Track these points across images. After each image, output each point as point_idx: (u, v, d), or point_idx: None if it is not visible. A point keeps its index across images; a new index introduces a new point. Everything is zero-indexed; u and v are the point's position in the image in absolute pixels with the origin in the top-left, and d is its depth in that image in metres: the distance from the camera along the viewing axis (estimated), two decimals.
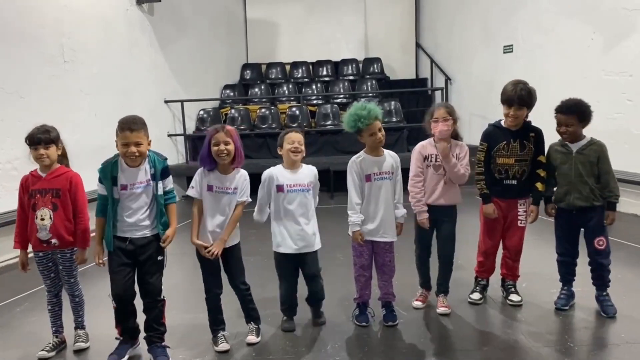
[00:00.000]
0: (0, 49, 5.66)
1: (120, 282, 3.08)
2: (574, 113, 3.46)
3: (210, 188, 3.23)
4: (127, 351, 3.24)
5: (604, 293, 3.61)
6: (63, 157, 3.34)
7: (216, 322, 3.36)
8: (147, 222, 3.13)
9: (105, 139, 7.06)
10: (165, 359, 3.16)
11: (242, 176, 3.31)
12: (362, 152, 3.50)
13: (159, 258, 3.18)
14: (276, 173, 3.43)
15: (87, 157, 6.64)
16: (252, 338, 3.35)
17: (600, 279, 3.61)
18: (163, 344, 3.23)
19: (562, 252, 3.72)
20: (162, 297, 3.22)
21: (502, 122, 3.72)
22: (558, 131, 3.56)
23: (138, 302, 3.20)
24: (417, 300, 3.82)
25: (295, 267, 3.50)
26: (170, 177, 3.25)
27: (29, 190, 3.24)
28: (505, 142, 3.66)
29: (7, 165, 5.67)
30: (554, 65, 7.77)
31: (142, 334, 3.28)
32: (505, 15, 9.10)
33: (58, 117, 6.32)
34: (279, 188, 3.39)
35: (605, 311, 3.53)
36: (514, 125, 3.65)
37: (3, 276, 5.20)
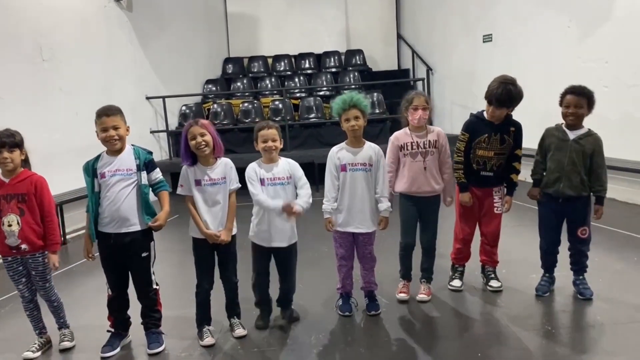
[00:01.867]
0: None
1: (113, 272, 3.26)
2: (586, 96, 3.50)
3: (198, 182, 3.26)
4: (120, 342, 3.31)
5: (581, 277, 3.69)
6: (25, 162, 3.28)
7: (203, 317, 3.40)
8: (129, 215, 3.16)
9: (87, 138, 7.01)
10: (157, 345, 3.25)
11: (227, 164, 3.33)
12: (343, 142, 3.53)
13: (144, 255, 3.24)
14: (256, 168, 3.39)
15: (69, 156, 6.64)
16: (240, 331, 3.39)
17: (579, 264, 3.68)
18: (158, 329, 3.32)
19: (545, 240, 3.77)
20: (154, 287, 3.33)
21: (485, 114, 3.74)
22: (565, 113, 3.55)
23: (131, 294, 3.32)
24: (401, 292, 3.81)
25: (269, 260, 3.49)
26: (158, 169, 3.32)
27: None
28: (486, 135, 3.68)
29: None
30: (532, 53, 7.87)
31: (136, 324, 3.37)
32: (484, 5, 9.18)
33: (38, 117, 6.31)
34: (262, 182, 3.38)
35: (583, 293, 3.62)
36: (494, 119, 3.69)
37: None
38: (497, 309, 3.57)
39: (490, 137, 3.68)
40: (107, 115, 3.11)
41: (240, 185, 3.38)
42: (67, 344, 3.37)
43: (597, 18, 6.67)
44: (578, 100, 3.49)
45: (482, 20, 9.22)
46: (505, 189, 3.86)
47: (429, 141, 3.64)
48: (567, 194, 3.56)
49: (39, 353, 3.32)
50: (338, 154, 3.48)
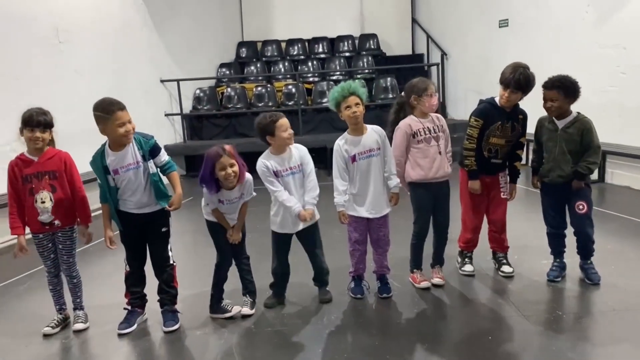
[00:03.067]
0: None
1: (132, 248, 3.35)
2: (558, 88, 3.47)
3: (221, 202, 3.35)
4: (136, 319, 3.40)
5: (588, 262, 3.70)
6: (51, 141, 3.36)
7: (221, 294, 3.50)
8: (148, 202, 3.27)
9: None
10: (173, 323, 3.33)
11: (246, 183, 3.37)
12: (345, 133, 3.51)
13: (163, 230, 3.37)
14: (267, 162, 3.39)
15: (84, 136, 6.66)
16: (246, 310, 3.46)
17: (585, 248, 3.69)
18: (174, 307, 3.40)
19: (549, 225, 3.78)
20: (171, 262, 3.41)
21: (497, 101, 3.71)
22: (544, 106, 3.58)
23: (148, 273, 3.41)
24: (423, 281, 3.75)
25: (289, 244, 3.58)
26: (162, 150, 3.35)
27: (23, 175, 3.25)
28: (500, 122, 3.67)
29: (5, 148, 5.68)
30: (548, 39, 7.76)
31: (152, 304, 3.45)
32: None
33: (53, 98, 6.33)
34: (276, 174, 3.40)
35: (590, 278, 3.63)
36: (507, 106, 3.68)
37: (7, 256, 5.28)
38: (508, 294, 3.58)
39: (503, 125, 3.68)
40: (121, 109, 3.08)
41: (254, 195, 3.47)
42: (80, 326, 3.42)
43: (615, 3, 6.56)
44: (550, 93, 3.50)
45: (498, 4, 9.10)
46: (507, 176, 3.87)
47: (437, 126, 3.64)
48: (559, 182, 3.59)
49: (57, 329, 3.41)
50: (344, 146, 3.46)
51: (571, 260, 3.82)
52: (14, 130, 5.60)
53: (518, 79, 3.51)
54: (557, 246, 3.80)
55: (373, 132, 3.49)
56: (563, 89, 3.46)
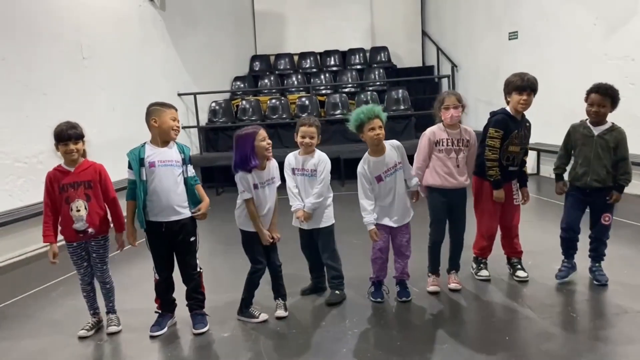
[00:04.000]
0: (24, 47, 5.90)
1: (161, 257, 3.50)
2: (610, 96, 3.64)
3: (255, 187, 3.48)
4: (167, 323, 3.57)
5: (597, 264, 3.86)
6: (84, 151, 3.53)
7: (251, 299, 3.67)
8: (178, 204, 3.42)
9: (122, 132, 7.38)
10: (202, 326, 3.50)
11: (274, 165, 3.60)
12: (366, 155, 3.68)
13: (192, 239, 3.52)
14: (292, 158, 3.82)
15: (106, 149, 6.96)
16: (281, 312, 3.62)
17: (597, 251, 3.84)
18: (202, 311, 3.58)
19: (568, 227, 3.88)
20: (198, 269, 3.58)
21: (509, 110, 3.85)
22: (588, 111, 3.72)
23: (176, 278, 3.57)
24: (432, 285, 3.93)
25: (311, 238, 3.87)
26: (192, 165, 3.58)
27: (60, 185, 3.42)
28: (516, 130, 3.81)
29: (32, 160, 5.94)
30: (557, 51, 7.92)
31: (181, 308, 3.62)
32: (510, 2, 9.23)
33: (78, 112, 6.54)
34: (293, 171, 3.81)
35: (598, 279, 3.80)
36: (520, 114, 3.82)
37: (37, 263, 5.48)
38: (523, 297, 3.72)
39: (519, 133, 3.82)
40: (176, 110, 3.48)
41: (280, 182, 3.67)
42: (114, 329, 3.58)
43: (624, 15, 6.71)
44: (602, 99, 3.64)
45: (508, 17, 9.27)
46: (517, 183, 4.02)
47: (462, 140, 3.79)
48: (594, 186, 3.72)
49: (92, 332, 3.58)
50: (369, 169, 3.63)
51: (584, 265, 3.95)
52: (42, 142, 5.87)
53: (531, 81, 3.73)
54: (569, 248, 3.93)
55: (392, 149, 3.66)
56: (612, 98, 3.65)
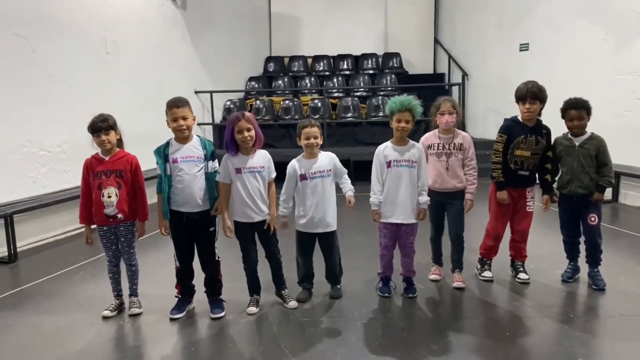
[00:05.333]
0: (51, 41, 6.15)
1: (182, 246, 3.69)
2: (585, 108, 3.93)
3: (239, 170, 3.58)
4: (186, 307, 3.77)
5: (595, 269, 4.06)
6: (120, 141, 3.78)
7: (253, 287, 3.83)
8: (199, 197, 3.60)
9: (142, 126, 7.63)
10: (220, 311, 3.71)
11: (265, 155, 3.69)
12: (388, 141, 3.88)
13: (211, 229, 3.71)
14: (296, 164, 3.81)
15: (127, 141, 7.19)
16: (292, 303, 3.81)
17: (592, 256, 4.05)
18: (220, 297, 3.79)
19: (567, 233, 4.19)
20: (216, 258, 3.77)
21: (519, 118, 4.08)
22: (570, 126, 3.99)
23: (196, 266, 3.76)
24: (433, 274, 4.27)
25: (312, 243, 3.91)
26: (216, 160, 3.69)
27: (94, 172, 3.66)
28: (523, 136, 4.01)
29: (56, 149, 6.17)
30: (567, 64, 8.11)
31: (200, 294, 3.80)
32: (521, 14, 9.42)
33: (100, 105, 6.73)
34: (302, 177, 3.78)
35: (596, 284, 3.99)
36: (529, 120, 4.01)
37: (59, 248, 5.72)
38: (523, 298, 3.91)
39: (527, 138, 4.01)
40: (177, 106, 3.50)
41: (275, 175, 3.77)
42: (135, 310, 3.78)
43: (633, 32, 6.89)
44: (579, 113, 3.92)
45: (519, 28, 9.46)
46: (534, 190, 4.19)
47: (454, 144, 4.01)
48: (580, 193, 3.99)
49: (115, 312, 3.79)
50: (384, 151, 3.82)
51: (585, 271, 4.16)
52: (66, 133, 6.13)
53: (532, 90, 3.91)
54: (572, 252, 4.19)
55: (414, 147, 3.81)
56: (587, 110, 3.93)
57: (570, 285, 4.11)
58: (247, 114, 3.62)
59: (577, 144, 3.99)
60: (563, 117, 4.02)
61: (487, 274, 4.29)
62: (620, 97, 7.00)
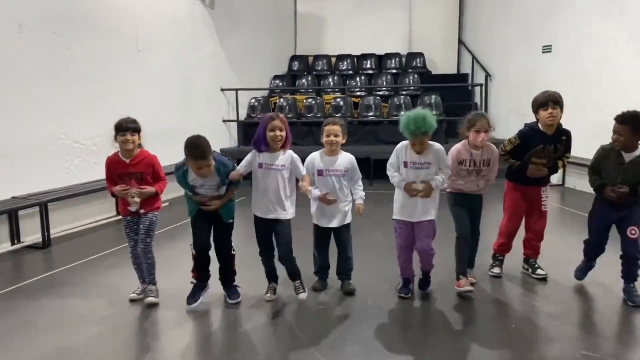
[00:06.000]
0: (86, 39, 6.44)
1: (200, 237, 3.78)
2: (627, 123, 3.61)
3: (260, 165, 3.69)
4: (202, 293, 3.92)
5: (631, 285, 3.80)
6: (139, 144, 3.87)
7: (270, 275, 3.98)
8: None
9: (170, 122, 7.90)
10: (236, 297, 3.91)
11: (290, 156, 3.71)
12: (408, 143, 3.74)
13: (230, 221, 3.86)
14: (317, 158, 3.91)
15: (156, 136, 7.50)
16: (302, 295, 3.86)
17: (629, 272, 3.79)
18: (234, 284, 3.97)
19: (591, 243, 3.99)
20: (232, 251, 3.94)
21: (540, 125, 3.99)
22: (612, 138, 3.73)
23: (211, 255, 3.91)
24: (465, 284, 3.95)
25: (328, 237, 4.03)
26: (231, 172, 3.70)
27: (117, 174, 3.81)
28: (541, 145, 3.96)
29: (88, 142, 6.47)
30: (589, 66, 8.12)
31: (215, 280, 3.96)
32: (545, 16, 9.42)
33: (131, 100, 7.13)
34: (319, 172, 3.88)
35: (632, 300, 3.73)
36: (551, 127, 3.94)
37: (89, 236, 6.02)
38: (534, 295, 3.98)
39: (545, 147, 3.97)
40: (196, 158, 3.50)
41: (305, 173, 3.75)
42: (152, 299, 3.88)
43: None
44: (619, 128, 3.65)
45: (543, 30, 9.47)
46: (548, 190, 4.21)
47: (484, 160, 3.93)
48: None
49: (141, 295, 3.97)
50: (404, 149, 3.73)
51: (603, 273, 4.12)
52: (98, 127, 6.39)
53: (553, 95, 3.91)
54: (590, 255, 4.04)
55: (432, 150, 3.71)
56: (632, 125, 3.60)
57: (591, 285, 4.08)
58: (282, 115, 3.71)
59: (626, 160, 3.69)
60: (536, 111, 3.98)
61: (496, 270, 4.35)
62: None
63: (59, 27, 6.02)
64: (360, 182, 3.98)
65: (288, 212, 3.76)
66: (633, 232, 3.73)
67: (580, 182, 7.76)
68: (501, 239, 4.36)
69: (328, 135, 3.83)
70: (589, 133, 5.50)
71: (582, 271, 4.13)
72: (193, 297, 3.85)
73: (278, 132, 3.61)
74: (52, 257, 5.28)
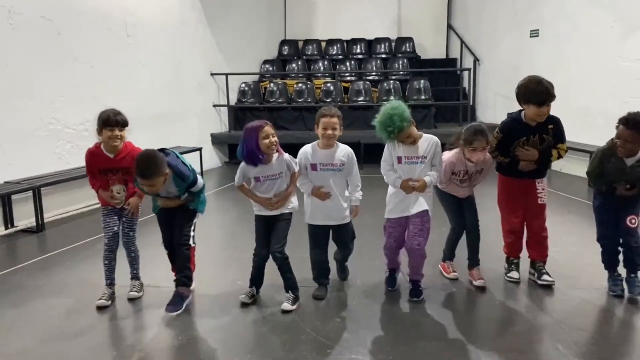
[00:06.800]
0: (75, 24, 6.44)
1: (166, 234, 3.62)
2: (638, 129, 3.30)
3: (257, 179, 3.50)
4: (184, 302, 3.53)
5: (632, 275, 3.64)
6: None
7: (255, 279, 3.69)
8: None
9: (160, 107, 7.92)
10: (173, 307, 3.42)
11: (284, 160, 3.53)
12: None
13: (191, 207, 3.60)
14: (310, 152, 3.62)
15: (146, 121, 7.57)
16: (286, 305, 3.53)
17: (632, 262, 3.63)
18: (183, 290, 3.52)
19: (603, 237, 3.72)
20: (191, 243, 3.58)
21: (523, 116, 3.71)
22: (615, 143, 3.45)
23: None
24: (453, 272, 4.03)
25: (326, 236, 3.75)
26: (197, 184, 3.52)
27: (100, 168, 3.61)
28: (524, 137, 3.69)
29: (79, 127, 6.50)
30: (575, 50, 8.24)
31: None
32: (533, 1, 9.52)
33: (121, 86, 7.16)
34: (313, 167, 3.60)
35: (631, 291, 3.60)
36: (534, 121, 3.66)
37: (82, 220, 6.10)
38: (544, 304, 3.64)
39: (529, 139, 3.70)
40: (146, 178, 3.25)
41: (299, 168, 3.59)
42: (135, 294, 3.72)
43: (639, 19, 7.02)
44: (629, 134, 3.35)
45: (530, 15, 9.56)
46: (544, 181, 3.91)
47: (477, 170, 3.84)
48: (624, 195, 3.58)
49: (110, 302, 3.65)
50: (395, 145, 3.55)
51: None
52: (88, 112, 6.40)
53: (550, 91, 3.53)
54: (610, 260, 3.77)
55: (425, 142, 3.54)
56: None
57: (599, 294, 3.72)
58: (267, 122, 3.49)
59: (628, 165, 3.48)
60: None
61: (514, 274, 3.95)
62: (625, 83, 7.13)
63: (48, 12, 6.02)
64: (358, 184, 3.70)
65: (291, 204, 3.63)
66: (633, 221, 3.56)
67: (567, 165, 7.90)
68: (505, 238, 4.03)
69: (325, 129, 3.53)
70: (575, 116, 5.63)
71: (618, 286, 3.69)
72: (175, 303, 3.46)
73: (272, 138, 3.41)
74: (46, 241, 5.35)
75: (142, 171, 3.22)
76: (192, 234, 3.57)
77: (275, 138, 3.43)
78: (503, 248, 4.08)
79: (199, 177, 3.56)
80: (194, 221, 3.63)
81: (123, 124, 3.53)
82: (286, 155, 3.56)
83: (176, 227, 3.56)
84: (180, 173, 3.40)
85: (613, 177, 3.56)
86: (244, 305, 3.61)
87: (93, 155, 3.63)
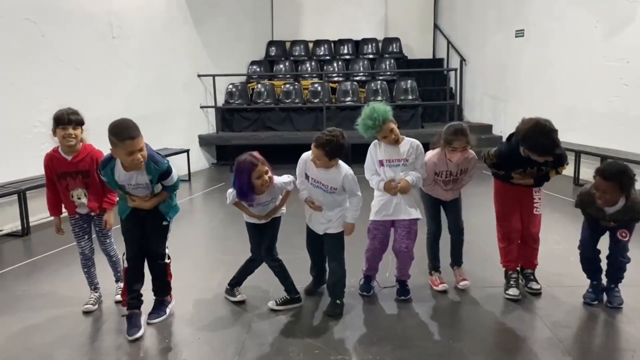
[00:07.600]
0: (60, 26, 6.39)
1: (131, 243, 3.33)
2: (614, 180, 3.23)
3: (250, 205, 3.49)
4: (141, 319, 3.37)
5: (613, 285, 3.62)
6: (82, 138, 3.46)
7: (239, 280, 3.75)
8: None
9: (147, 108, 7.87)
10: (156, 316, 3.43)
11: (278, 189, 3.49)
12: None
13: (164, 223, 3.38)
14: (308, 161, 3.47)
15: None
16: (271, 303, 3.59)
17: (615, 274, 3.60)
18: (166, 299, 3.52)
19: (581, 244, 3.69)
20: (167, 259, 3.46)
21: (521, 151, 3.53)
22: (593, 194, 3.38)
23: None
24: (441, 283, 3.88)
25: (316, 238, 3.65)
26: (172, 174, 3.29)
27: (58, 172, 3.42)
28: (521, 169, 3.63)
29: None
30: (560, 50, 8.31)
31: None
32: (518, 1, 9.60)
33: (107, 87, 7.11)
34: (307, 176, 3.51)
35: (611, 301, 3.56)
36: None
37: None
38: (535, 310, 3.58)
39: (526, 170, 3.63)
40: (133, 138, 2.99)
41: (292, 188, 3.54)
42: (120, 297, 3.60)
43: (622, 21, 7.09)
44: (606, 185, 3.27)
45: (516, 15, 9.64)
46: (541, 191, 3.83)
47: (461, 170, 3.76)
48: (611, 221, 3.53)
49: (96, 306, 3.62)
50: (377, 149, 3.58)
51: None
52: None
53: (555, 141, 3.35)
54: (590, 270, 3.72)
55: (408, 145, 3.54)
56: (619, 182, 3.24)
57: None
58: (257, 154, 3.34)
59: (608, 212, 3.42)
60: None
61: (512, 291, 3.73)
62: (609, 83, 7.22)
63: (31, 13, 5.97)
64: (355, 201, 3.47)
65: (282, 211, 3.66)
66: (624, 234, 3.52)
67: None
68: (499, 243, 3.90)
69: (313, 160, 3.39)
70: (560, 116, 5.66)
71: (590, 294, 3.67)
72: (135, 325, 3.26)
73: (266, 177, 3.31)
74: (31, 245, 5.31)
75: (128, 131, 2.96)
76: (167, 251, 3.45)
77: (269, 174, 3.34)
78: (500, 261, 3.92)
79: (173, 169, 3.34)
80: (167, 236, 3.46)
81: (77, 122, 3.36)
82: (277, 182, 3.46)
83: (149, 240, 3.35)
84: (152, 156, 3.17)
85: (594, 214, 3.52)
86: (236, 304, 3.67)
87: (51, 159, 3.44)
